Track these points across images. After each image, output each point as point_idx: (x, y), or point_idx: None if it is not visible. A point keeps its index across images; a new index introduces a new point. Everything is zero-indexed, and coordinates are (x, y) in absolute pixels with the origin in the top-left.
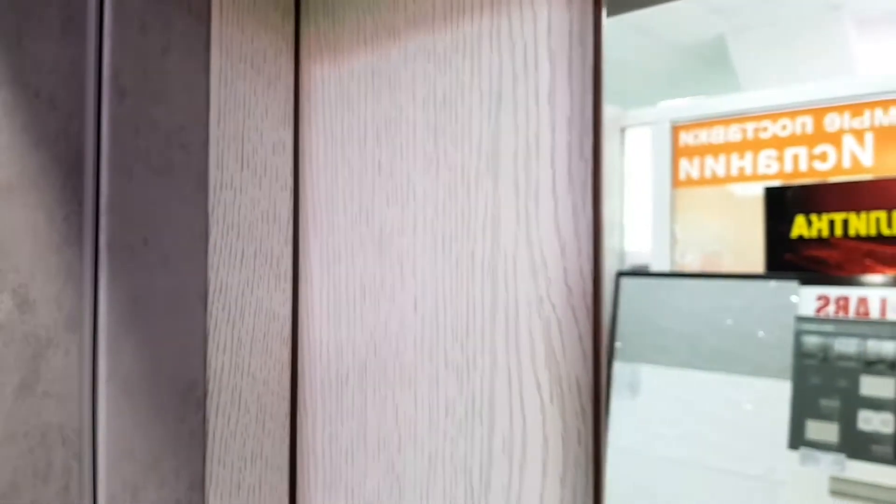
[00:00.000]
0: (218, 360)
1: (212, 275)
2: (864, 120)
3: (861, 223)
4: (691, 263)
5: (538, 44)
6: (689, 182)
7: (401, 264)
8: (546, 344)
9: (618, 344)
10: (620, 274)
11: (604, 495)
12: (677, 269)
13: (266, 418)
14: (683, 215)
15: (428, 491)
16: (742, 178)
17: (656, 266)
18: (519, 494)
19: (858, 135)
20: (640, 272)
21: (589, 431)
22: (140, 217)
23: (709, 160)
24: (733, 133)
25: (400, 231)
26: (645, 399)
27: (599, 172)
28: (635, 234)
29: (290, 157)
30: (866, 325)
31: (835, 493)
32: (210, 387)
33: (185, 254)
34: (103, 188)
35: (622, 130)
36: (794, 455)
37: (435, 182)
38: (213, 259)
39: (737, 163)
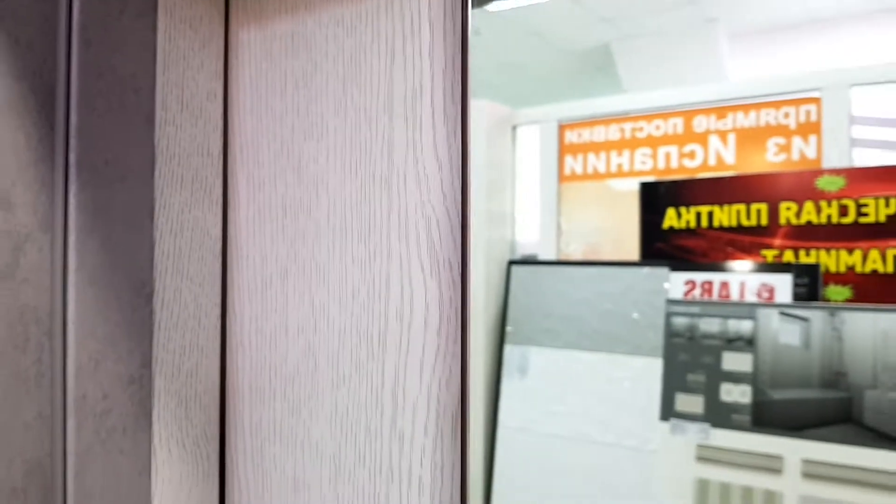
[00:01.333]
0: (163, 264)
1: (157, 194)
2: (728, 122)
3: (724, 215)
4: (574, 252)
5: (422, 14)
6: (574, 177)
7: (316, 186)
8: (427, 235)
9: (508, 328)
10: (511, 263)
11: (469, 344)
12: (562, 257)
13: (202, 315)
14: (568, 208)
15: (338, 359)
16: (620, 173)
17: (543, 255)
18: (407, 347)
19: (722, 135)
20: (529, 261)
21: (457, 297)
22: (101, 143)
23: (591, 157)
24: (613, 132)
25: (315, 160)
26: (533, 379)
27: (466, 109)
28: (525, 226)
29: (220, 104)
30: (727, 307)
31: (700, 459)
32: (156, 285)
33: (137, 175)
34: (72, 117)
35: (513, 128)
36: (665, 426)
37: (343, 120)
38: (159, 181)
39: (615, 159)
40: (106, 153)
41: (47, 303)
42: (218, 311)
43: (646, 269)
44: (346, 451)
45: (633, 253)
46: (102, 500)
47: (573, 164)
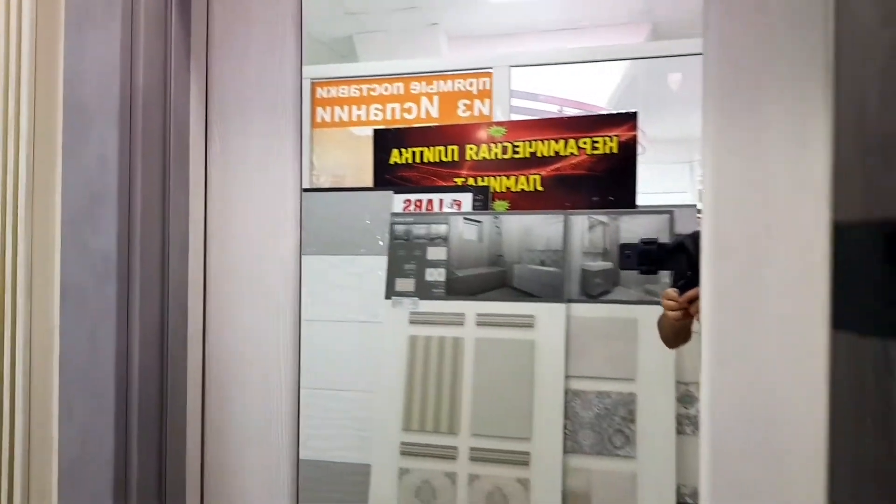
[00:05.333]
0: None
1: None
2: (434, 87)
3: (431, 154)
4: (325, 182)
5: None
6: (324, 124)
7: None
8: None
9: None
10: None
11: None
12: (315, 186)
13: None
14: (320, 149)
15: None
16: (359, 122)
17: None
18: None
19: (430, 97)
20: None
21: None
22: None
23: (337, 109)
24: (353, 91)
25: None
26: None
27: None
28: None
29: None
30: (431, 216)
31: (412, 322)
32: None
33: None
34: None
35: None
36: (388, 303)
37: None
38: None
39: (356, 112)
40: None
41: None
42: None
43: (377, 193)
44: None
45: (369, 182)
46: None
47: (323, 114)
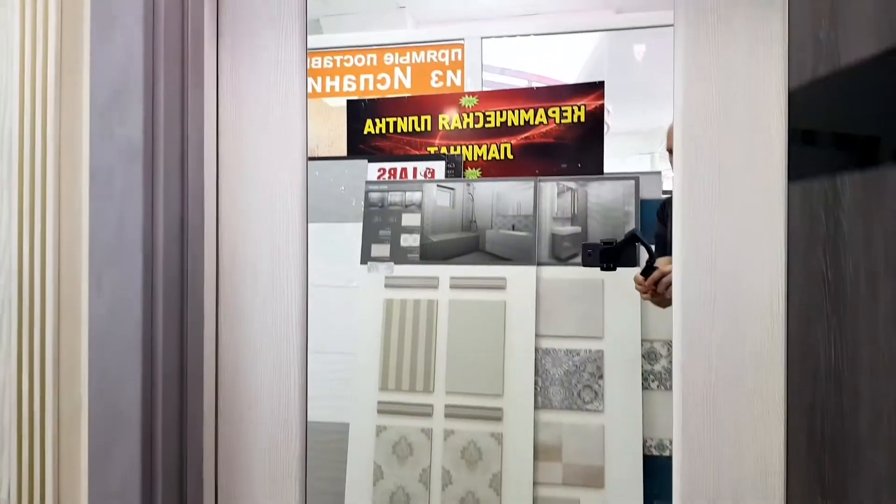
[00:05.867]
0: None
1: None
2: (407, 58)
3: (404, 124)
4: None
5: None
6: None
7: None
8: None
9: None
10: None
11: None
12: None
13: None
14: None
15: None
16: (333, 93)
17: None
18: None
19: (403, 68)
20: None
21: None
22: None
23: (310, 80)
24: (327, 62)
25: None
26: None
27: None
28: None
29: None
30: (405, 184)
31: (388, 286)
32: None
33: None
34: None
35: None
36: (364, 268)
37: None
38: None
39: (329, 83)
40: None
41: None
42: None
43: (351, 162)
44: None
45: (343, 152)
46: None
47: None
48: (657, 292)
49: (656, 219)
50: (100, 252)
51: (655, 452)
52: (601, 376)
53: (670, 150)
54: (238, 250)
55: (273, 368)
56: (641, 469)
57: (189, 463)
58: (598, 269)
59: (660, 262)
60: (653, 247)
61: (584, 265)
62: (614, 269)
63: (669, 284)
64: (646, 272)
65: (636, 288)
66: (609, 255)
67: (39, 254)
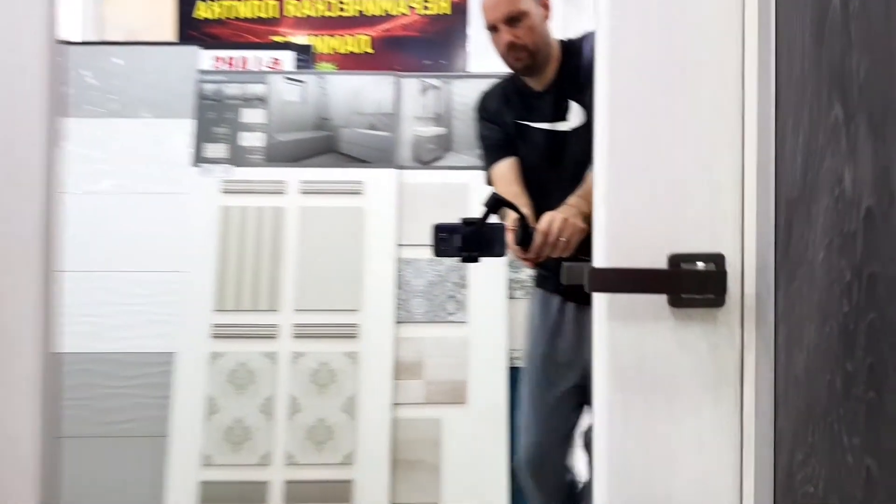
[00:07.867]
0: None
1: None
2: None
3: (245, 8)
4: (118, 38)
5: None
6: None
7: None
8: None
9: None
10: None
11: None
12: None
13: None
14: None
15: None
16: None
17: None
18: None
19: None
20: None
21: None
22: None
23: None
24: None
25: None
26: (77, 147)
27: None
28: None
29: None
30: (246, 75)
31: (225, 192)
32: None
33: None
34: None
35: None
36: (196, 170)
37: None
38: None
39: None
40: None
41: None
42: None
43: (179, 48)
44: None
45: (170, 38)
46: None
47: None
48: (539, 256)
49: (479, 117)
50: None
51: (521, 364)
52: (465, 286)
53: (491, 28)
54: None
55: None
56: (506, 381)
57: None
58: (458, 259)
59: (536, 223)
60: (523, 209)
61: (436, 255)
62: (477, 260)
63: (559, 244)
64: (523, 242)
65: (519, 259)
66: (473, 240)
67: None
